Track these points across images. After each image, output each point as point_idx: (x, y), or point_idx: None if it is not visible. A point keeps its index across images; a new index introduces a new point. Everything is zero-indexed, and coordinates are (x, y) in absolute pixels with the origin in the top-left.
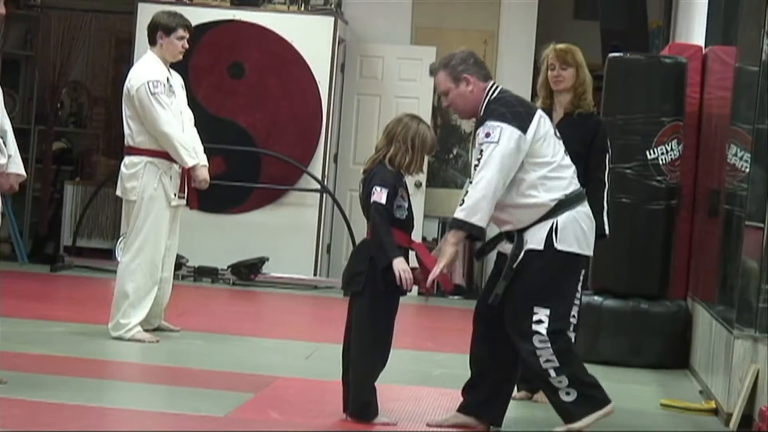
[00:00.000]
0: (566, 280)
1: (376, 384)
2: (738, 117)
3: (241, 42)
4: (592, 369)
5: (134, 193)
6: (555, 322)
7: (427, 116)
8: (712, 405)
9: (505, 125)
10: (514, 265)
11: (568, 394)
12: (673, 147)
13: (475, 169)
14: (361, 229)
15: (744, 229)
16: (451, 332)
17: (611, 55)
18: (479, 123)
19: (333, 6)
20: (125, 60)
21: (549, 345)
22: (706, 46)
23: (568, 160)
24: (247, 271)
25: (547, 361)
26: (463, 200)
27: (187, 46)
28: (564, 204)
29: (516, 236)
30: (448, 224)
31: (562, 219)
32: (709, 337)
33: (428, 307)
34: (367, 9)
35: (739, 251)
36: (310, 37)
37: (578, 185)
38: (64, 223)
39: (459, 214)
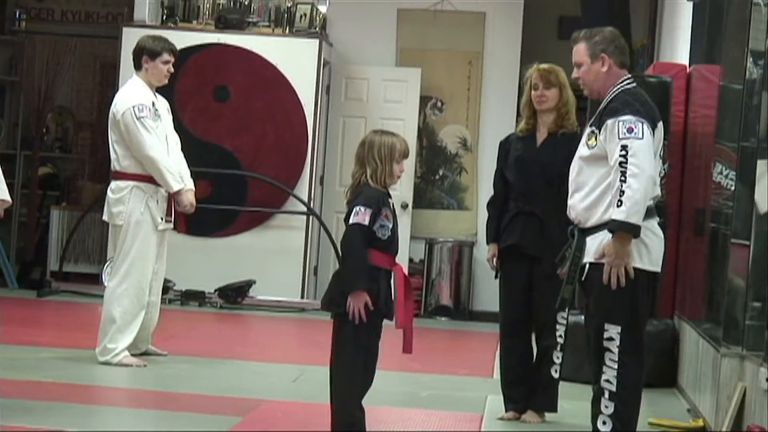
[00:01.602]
0: (634, 296)
1: (363, 405)
2: (723, 135)
3: (226, 65)
4: (580, 388)
5: (121, 217)
6: (626, 342)
7: (412, 138)
8: (700, 423)
9: (644, 121)
10: (582, 277)
11: (604, 423)
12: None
13: (620, 167)
14: None
15: (730, 247)
16: (438, 353)
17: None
18: (609, 112)
19: (318, 28)
20: (110, 84)
21: (616, 367)
22: (690, 65)
23: (657, 179)
24: (234, 295)
25: (607, 381)
26: (620, 200)
27: (172, 70)
28: None
29: (578, 236)
30: (608, 226)
31: None
32: (697, 355)
33: (415, 328)
34: (351, 31)
35: (725, 269)
36: (295, 60)
37: (652, 202)
38: (51, 248)
39: (619, 215)
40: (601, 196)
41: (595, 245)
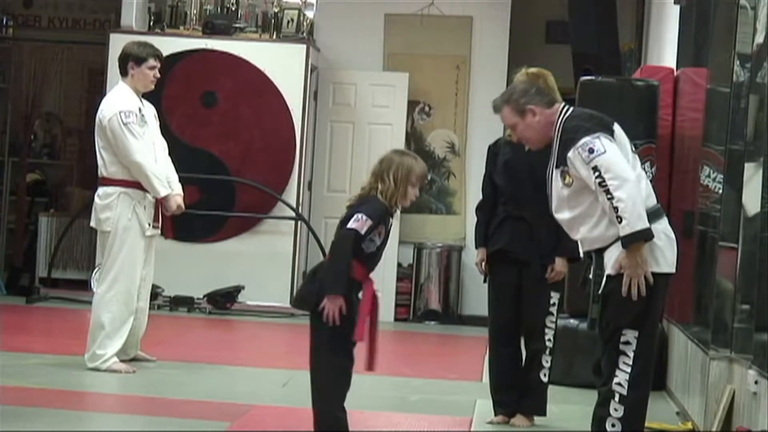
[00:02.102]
0: (651, 300)
1: (350, 410)
2: (710, 138)
3: (214, 71)
4: (569, 392)
5: (108, 223)
6: (642, 345)
7: (400, 142)
8: (689, 426)
9: (598, 134)
10: (600, 291)
11: (613, 426)
12: (646, 169)
13: (601, 187)
14: None
15: (718, 249)
16: (427, 358)
17: (583, 78)
18: (564, 146)
19: (305, 34)
20: (98, 91)
21: (629, 370)
22: (677, 69)
23: (643, 173)
24: (223, 300)
25: (619, 384)
26: (619, 217)
27: (158, 75)
28: None
29: (595, 257)
30: (621, 243)
31: None
32: (685, 358)
33: (404, 333)
34: (338, 36)
35: (714, 272)
36: (282, 65)
37: (654, 201)
38: (39, 254)
39: (624, 230)
40: (605, 218)
41: (612, 258)
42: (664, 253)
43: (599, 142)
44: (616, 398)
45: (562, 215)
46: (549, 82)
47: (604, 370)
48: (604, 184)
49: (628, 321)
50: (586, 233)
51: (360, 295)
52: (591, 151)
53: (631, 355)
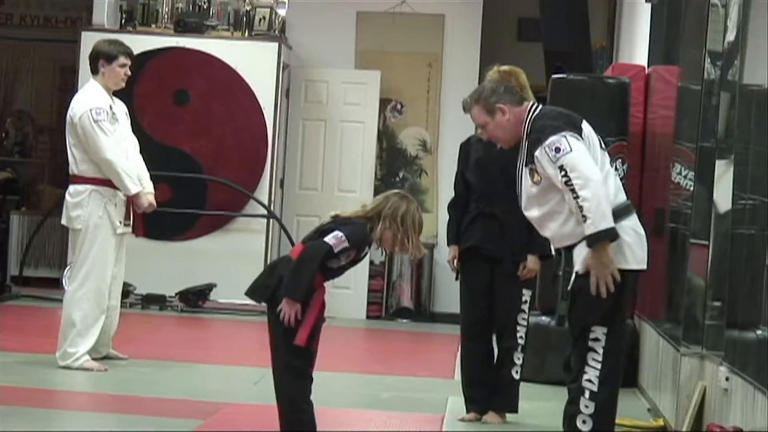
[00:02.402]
0: (619, 297)
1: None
2: (681, 136)
3: (186, 69)
4: (540, 389)
5: (79, 221)
6: (611, 341)
7: (372, 140)
8: (661, 423)
9: (565, 133)
10: (569, 287)
11: (584, 422)
12: (618, 167)
13: (566, 186)
14: None
15: (689, 247)
16: (400, 355)
17: (555, 76)
18: (532, 144)
19: (277, 32)
20: (70, 89)
21: (599, 367)
22: (648, 66)
23: (612, 170)
24: (195, 298)
25: (589, 381)
26: (584, 216)
27: (129, 73)
28: None
29: (564, 254)
30: (586, 243)
31: None
32: (657, 355)
33: (376, 331)
34: (310, 34)
35: (685, 269)
36: (254, 63)
37: (624, 197)
38: (11, 252)
39: (589, 229)
40: (573, 216)
41: (581, 256)
42: (633, 249)
43: (566, 141)
44: (587, 395)
45: (531, 213)
46: (521, 80)
47: (574, 367)
48: (569, 183)
49: (597, 318)
50: (555, 230)
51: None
52: (557, 150)
53: (601, 351)
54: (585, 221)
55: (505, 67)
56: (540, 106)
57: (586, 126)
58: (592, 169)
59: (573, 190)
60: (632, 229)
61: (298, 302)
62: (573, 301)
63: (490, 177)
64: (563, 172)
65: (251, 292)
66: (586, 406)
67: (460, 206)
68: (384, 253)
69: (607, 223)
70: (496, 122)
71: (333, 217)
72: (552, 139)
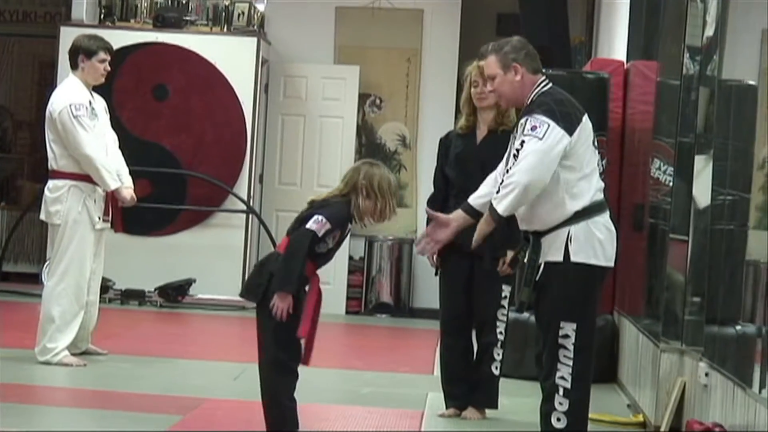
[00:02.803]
0: (588, 292)
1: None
2: (660, 131)
3: (165, 64)
4: (520, 385)
5: (58, 216)
6: (581, 338)
7: (351, 135)
8: (640, 419)
9: (553, 124)
10: (536, 277)
11: (559, 420)
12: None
13: (514, 159)
14: None
15: (668, 242)
16: (379, 351)
17: (542, 71)
18: (525, 112)
19: (256, 27)
20: (49, 84)
21: (571, 363)
22: (627, 61)
23: (597, 171)
24: (175, 293)
25: (562, 378)
26: (500, 189)
27: (108, 68)
28: (580, 214)
29: (532, 240)
30: (489, 208)
31: (575, 229)
32: (636, 350)
33: (355, 326)
34: (289, 29)
35: (664, 264)
36: (233, 58)
37: (601, 195)
38: None
39: (495, 201)
40: (552, 197)
41: (554, 245)
42: (604, 246)
43: (547, 129)
44: (561, 392)
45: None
46: None
47: (545, 365)
48: (516, 158)
49: (565, 313)
50: (527, 208)
51: (306, 289)
52: (533, 128)
53: (572, 348)
54: (498, 192)
55: (483, 62)
56: (550, 84)
57: (585, 120)
58: (534, 170)
59: (514, 166)
60: (604, 226)
61: (290, 294)
62: (540, 294)
63: (469, 173)
64: (519, 147)
65: (245, 292)
66: (560, 404)
67: (439, 201)
68: (363, 227)
69: (503, 209)
70: (506, 78)
71: (310, 203)
72: (539, 117)
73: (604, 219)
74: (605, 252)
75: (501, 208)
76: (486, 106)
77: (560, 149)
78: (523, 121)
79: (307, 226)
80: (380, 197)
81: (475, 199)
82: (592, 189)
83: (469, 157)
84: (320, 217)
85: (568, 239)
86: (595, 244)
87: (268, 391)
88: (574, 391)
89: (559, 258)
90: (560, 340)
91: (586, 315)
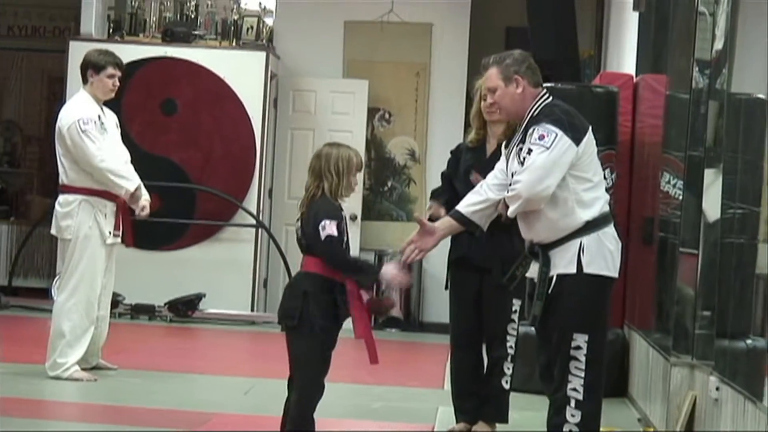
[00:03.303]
0: (601, 303)
1: (315, 416)
2: (670, 145)
3: (173, 78)
4: (530, 399)
5: (69, 231)
6: (593, 349)
7: (360, 149)
8: None
9: (561, 133)
10: (548, 290)
11: None
12: (606, 176)
13: (520, 165)
14: (297, 263)
15: (678, 256)
16: (389, 365)
17: (543, 85)
18: (533, 122)
19: (264, 41)
20: (58, 98)
21: (583, 375)
22: (636, 75)
23: (603, 181)
24: (185, 308)
25: (574, 389)
26: (507, 198)
27: (118, 83)
28: (592, 224)
29: (541, 254)
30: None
31: (587, 240)
32: (647, 364)
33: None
34: (298, 43)
35: (674, 278)
36: (242, 73)
37: (607, 207)
38: (0, 263)
39: (508, 197)
40: (560, 206)
41: (565, 257)
42: (614, 256)
43: (555, 138)
44: (572, 404)
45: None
46: None
47: (557, 377)
48: (522, 165)
49: (577, 325)
50: (535, 217)
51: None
52: (541, 137)
53: (583, 360)
54: (508, 192)
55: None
56: (550, 97)
57: (590, 132)
58: (541, 180)
59: (520, 174)
60: (613, 237)
61: (379, 270)
62: (550, 306)
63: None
64: (526, 155)
65: (283, 317)
66: (573, 415)
67: (441, 192)
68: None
69: (510, 214)
70: (507, 91)
71: (301, 216)
72: (548, 126)
73: (612, 230)
74: (615, 263)
75: (514, 207)
76: (496, 119)
77: (568, 159)
78: (531, 130)
79: (323, 237)
80: (337, 177)
81: (465, 207)
82: (600, 199)
83: (478, 171)
84: (324, 222)
85: (581, 250)
86: (606, 254)
87: (303, 409)
88: (586, 403)
89: (572, 270)
90: (572, 352)
91: (598, 326)
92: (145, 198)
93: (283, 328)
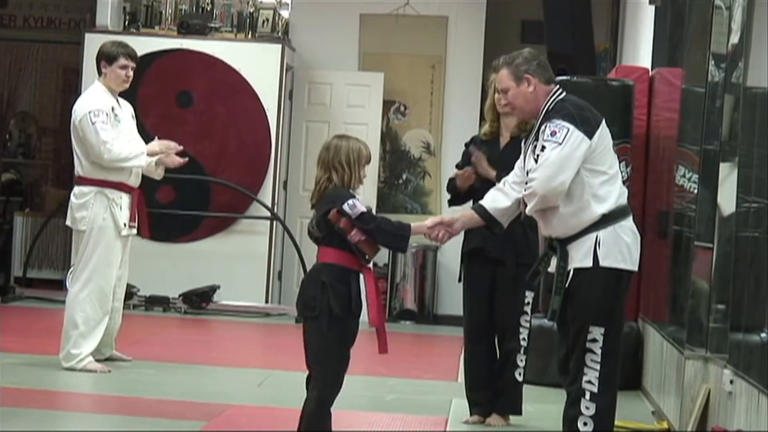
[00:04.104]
0: (617, 296)
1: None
2: (685, 138)
3: (189, 71)
4: (544, 392)
5: (84, 222)
6: (609, 342)
7: (376, 142)
8: (665, 426)
9: (573, 128)
10: (566, 284)
11: (585, 424)
12: (622, 169)
13: (536, 163)
14: (312, 255)
15: (693, 249)
16: (403, 357)
17: (558, 78)
18: (544, 119)
19: (280, 33)
20: (73, 90)
21: (598, 368)
22: (652, 69)
23: (619, 175)
24: (199, 300)
25: (589, 382)
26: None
27: (131, 74)
28: (608, 218)
29: (559, 248)
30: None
31: (603, 234)
32: (661, 357)
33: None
34: (314, 36)
35: (689, 272)
36: (257, 65)
37: (625, 199)
38: (14, 254)
39: (525, 193)
40: (575, 200)
41: (581, 251)
42: (631, 250)
43: (566, 134)
44: (587, 396)
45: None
46: None
47: (572, 369)
48: (536, 162)
49: (594, 317)
50: (551, 213)
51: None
52: (553, 134)
53: (599, 352)
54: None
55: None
56: (565, 93)
57: (603, 125)
58: (555, 177)
59: (535, 171)
60: (630, 230)
61: (411, 229)
62: (568, 299)
63: (492, 180)
64: (540, 151)
65: (303, 308)
66: (587, 408)
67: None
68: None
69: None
70: (520, 91)
71: (313, 205)
72: (559, 122)
73: (630, 223)
74: (632, 256)
75: (532, 204)
76: (509, 112)
77: (581, 153)
78: (543, 127)
79: (354, 214)
80: (348, 169)
81: (491, 204)
82: (615, 192)
83: (492, 164)
84: (350, 202)
85: (597, 244)
86: (623, 248)
87: (320, 404)
88: (601, 396)
89: (589, 263)
90: (588, 345)
91: (614, 319)
92: (165, 153)
93: (302, 320)
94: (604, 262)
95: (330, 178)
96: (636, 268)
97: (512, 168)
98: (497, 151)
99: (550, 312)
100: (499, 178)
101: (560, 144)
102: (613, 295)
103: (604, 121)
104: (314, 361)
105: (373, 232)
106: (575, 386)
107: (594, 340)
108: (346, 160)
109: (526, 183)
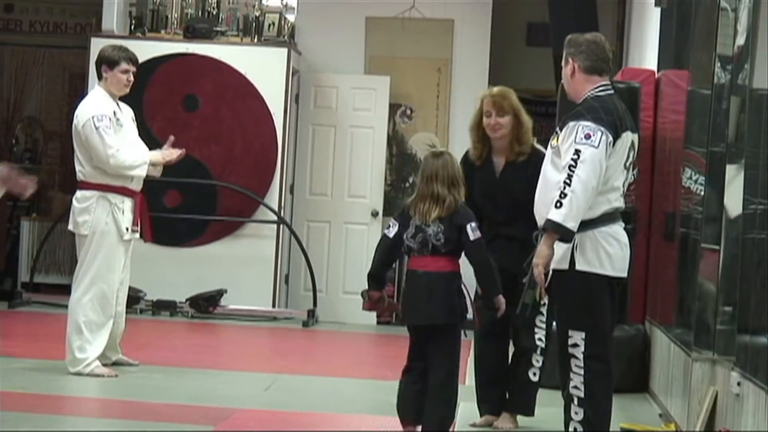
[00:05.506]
0: (596, 301)
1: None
2: (692, 140)
3: (195, 75)
4: (555, 395)
5: (86, 227)
6: (591, 347)
7: (382, 145)
8: (672, 428)
9: (603, 130)
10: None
11: (575, 430)
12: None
13: (568, 169)
14: (319, 259)
15: (700, 251)
16: None
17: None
18: (575, 114)
19: (286, 37)
20: (79, 95)
21: (582, 372)
22: (658, 71)
23: (619, 191)
24: (206, 304)
25: (575, 387)
26: (560, 202)
27: (132, 79)
28: (587, 223)
29: (537, 243)
30: (543, 225)
31: (581, 237)
32: (668, 360)
33: (387, 336)
34: (320, 39)
35: (696, 274)
36: (263, 69)
37: (614, 208)
38: (21, 259)
39: (556, 216)
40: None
41: (558, 254)
42: (611, 255)
43: (600, 136)
44: (575, 401)
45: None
46: (513, 101)
47: (561, 375)
48: (573, 168)
49: (573, 322)
50: (539, 199)
51: None
52: (587, 137)
53: (581, 357)
54: (558, 207)
55: (496, 90)
56: (606, 92)
57: (626, 138)
58: (595, 176)
59: (570, 177)
60: (611, 236)
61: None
62: (552, 301)
63: (499, 205)
64: (575, 156)
65: (448, 315)
66: (576, 413)
67: None
68: None
69: (574, 224)
70: (565, 72)
71: (438, 219)
72: (590, 124)
73: (614, 230)
74: (612, 262)
75: (572, 224)
76: (501, 135)
77: (608, 155)
78: (571, 124)
79: (473, 238)
80: (463, 186)
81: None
82: (604, 204)
83: (494, 192)
84: (473, 224)
85: (574, 247)
86: (601, 253)
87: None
88: (588, 400)
89: (565, 266)
90: (570, 350)
91: (595, 324)
92: (164, 156)
93: (427, 329)
94: (579, 266)
95: (455, 195)
96: (619, 274)
97: (515, 192)
98: (494, 179)
99: (521, 305)
100: (502, 204)
101: (596, 147)
102: (591, 300)
103: (628, 132)
104: (447, 364)
105: (477, 264)
106: (566, 392)
107: (575, 345)
108: (460, 177)
109: (567, 183)
